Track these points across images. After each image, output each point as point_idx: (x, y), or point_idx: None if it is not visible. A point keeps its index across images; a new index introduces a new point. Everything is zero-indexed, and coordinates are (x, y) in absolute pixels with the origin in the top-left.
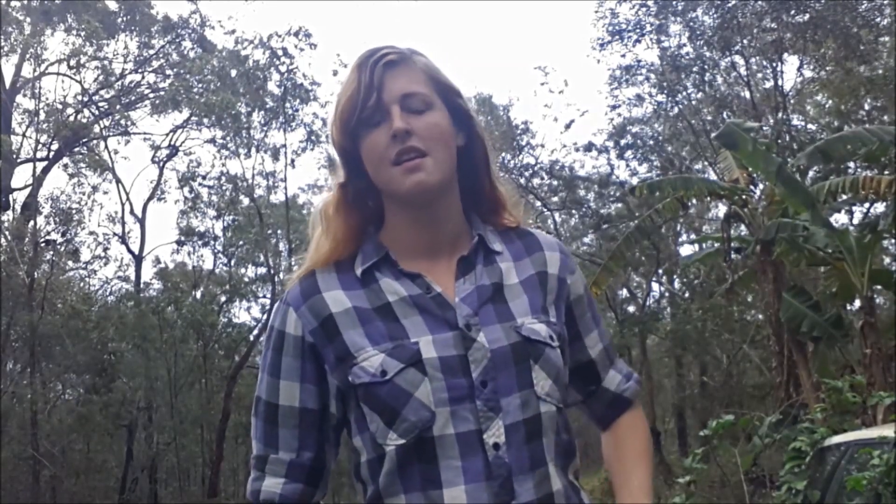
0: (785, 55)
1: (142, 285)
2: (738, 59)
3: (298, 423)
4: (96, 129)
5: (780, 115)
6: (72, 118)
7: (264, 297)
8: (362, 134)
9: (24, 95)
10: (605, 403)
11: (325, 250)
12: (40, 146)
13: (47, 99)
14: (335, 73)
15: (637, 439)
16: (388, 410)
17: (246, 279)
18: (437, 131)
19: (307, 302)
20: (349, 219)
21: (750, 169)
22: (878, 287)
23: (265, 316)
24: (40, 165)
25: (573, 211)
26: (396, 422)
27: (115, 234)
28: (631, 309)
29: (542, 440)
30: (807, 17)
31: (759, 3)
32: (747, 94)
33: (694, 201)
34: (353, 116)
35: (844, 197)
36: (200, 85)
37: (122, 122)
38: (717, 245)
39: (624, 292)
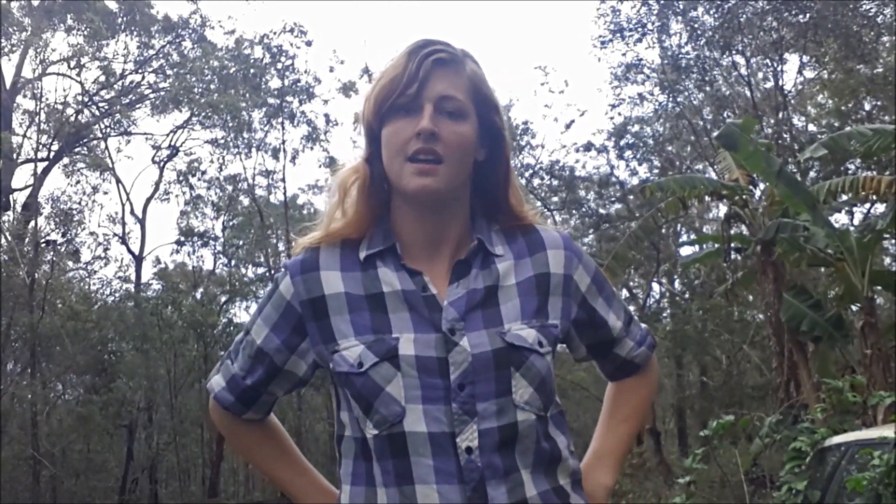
0: (786, 55)
1: (142, 285)
2: (738, 58)
3: (253, 356)
4: (97, 129)
5: (780, 115)
6: (72, 118)
7: None
8: (390, 119)
9: (25, 96)
10: (615, 366)
11: (337, 226)
12: (41, 146)
13: (48, 99)
14: (331, 69)
15: (635, 399)
16: (364, 401)
17: (246, 279)
18: (460, 141)
19: (303, 275)
20: (365, 197)
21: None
22: (879, 287)
23: None
24: (41, 165)
25: (573, 211)
26: (371, 412)
27: (115, 234)
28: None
29: (516, 447)
30: (807, 16)
31: (760, 2)
32: (748, 94)
33: (694, 201)
34: (388, 99)
35: (844, 197)
36: (201, 85)
37: (123, 121)
38: (717, 245)
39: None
